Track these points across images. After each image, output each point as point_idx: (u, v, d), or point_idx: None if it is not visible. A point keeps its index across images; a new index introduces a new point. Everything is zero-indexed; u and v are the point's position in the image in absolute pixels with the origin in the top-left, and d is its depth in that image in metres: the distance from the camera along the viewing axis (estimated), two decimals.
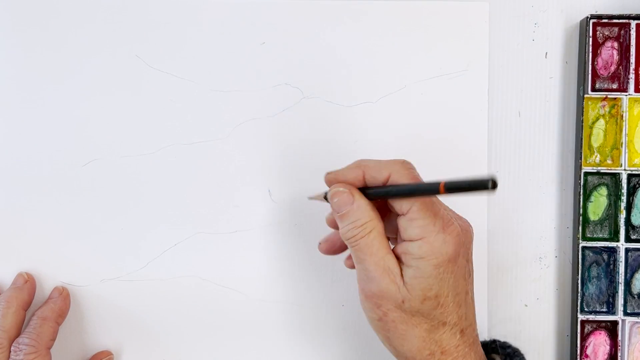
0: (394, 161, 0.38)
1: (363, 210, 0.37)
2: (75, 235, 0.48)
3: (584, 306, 0.47)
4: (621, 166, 0.47)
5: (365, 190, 0.38)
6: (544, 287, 0.49)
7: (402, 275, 0.36)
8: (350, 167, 0.39)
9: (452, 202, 0.48)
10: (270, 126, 0.48)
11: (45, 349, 0.43)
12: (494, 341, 0.44)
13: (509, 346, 0.43)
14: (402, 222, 0.37)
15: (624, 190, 0.47)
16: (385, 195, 0.37)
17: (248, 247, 0.48)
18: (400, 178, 0.37)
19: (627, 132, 0.47)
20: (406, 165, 0.38)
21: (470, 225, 0.39)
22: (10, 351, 0.43)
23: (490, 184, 0.29)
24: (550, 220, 0.49)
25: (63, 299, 0.46)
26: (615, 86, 0.48)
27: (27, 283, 0.46)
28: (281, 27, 0.48)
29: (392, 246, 0.38)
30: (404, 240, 0.37)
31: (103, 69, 0.48)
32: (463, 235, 0.37)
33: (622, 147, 0.47)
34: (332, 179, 0.39)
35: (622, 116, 0.47)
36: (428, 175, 0.48)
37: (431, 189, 0.33)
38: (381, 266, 0.37)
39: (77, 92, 0.48)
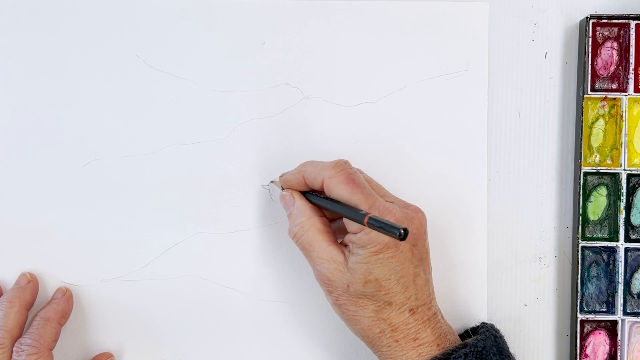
0: (327, 165, 0.42)
1: (301, 211, 0.42)
2: (75, 235, 0.48)
3: (584, 306, 0.47)
4: (621, 166, 0.47)
5: (311, 193, 0.43)
6: (544, 287, 0.49)
7: (346, 261, 0.41)
8: (294, 172, 0.44)
9: (452, 196, 0.48)
10: (270, 126, 0.48)
11: (47, 350, 0.43)
12: (483, 324, 0.45)
13: (488, 329, 0.43)
14: (344, 219, 0.41)
15: (624, 190, 0.47)
16: (323, 207, 0.42)
17: (248, 247, 0.48)
18: (331, 182, 0.41)
19: (626, 132, 0.47)
20: (339, 167, 0.41)
21: (419, 212, 0.42)
22: (12, 351, 0.43)
23: (399, 234, 0.34)
24: (550, 220, 0.49)
25: (66, 300, 0.46)
26: (614, 86, 0.48)
27: (30, 283, 0.46)
28: (281, 27, 0.48)
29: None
30: (349, 232, 0.41)
31: (103, 69, 0.48)
32: (406, 223, 0.41)
33: (621, 147, 0.47)
34: (282, 182, 0.45)
35: (621, 116, 0.47)
36: (427, 174, 0.48)
37: (357, 217, 0.39)
38: (325, 257, 0.41)
39: (77, 92, 0.48)
